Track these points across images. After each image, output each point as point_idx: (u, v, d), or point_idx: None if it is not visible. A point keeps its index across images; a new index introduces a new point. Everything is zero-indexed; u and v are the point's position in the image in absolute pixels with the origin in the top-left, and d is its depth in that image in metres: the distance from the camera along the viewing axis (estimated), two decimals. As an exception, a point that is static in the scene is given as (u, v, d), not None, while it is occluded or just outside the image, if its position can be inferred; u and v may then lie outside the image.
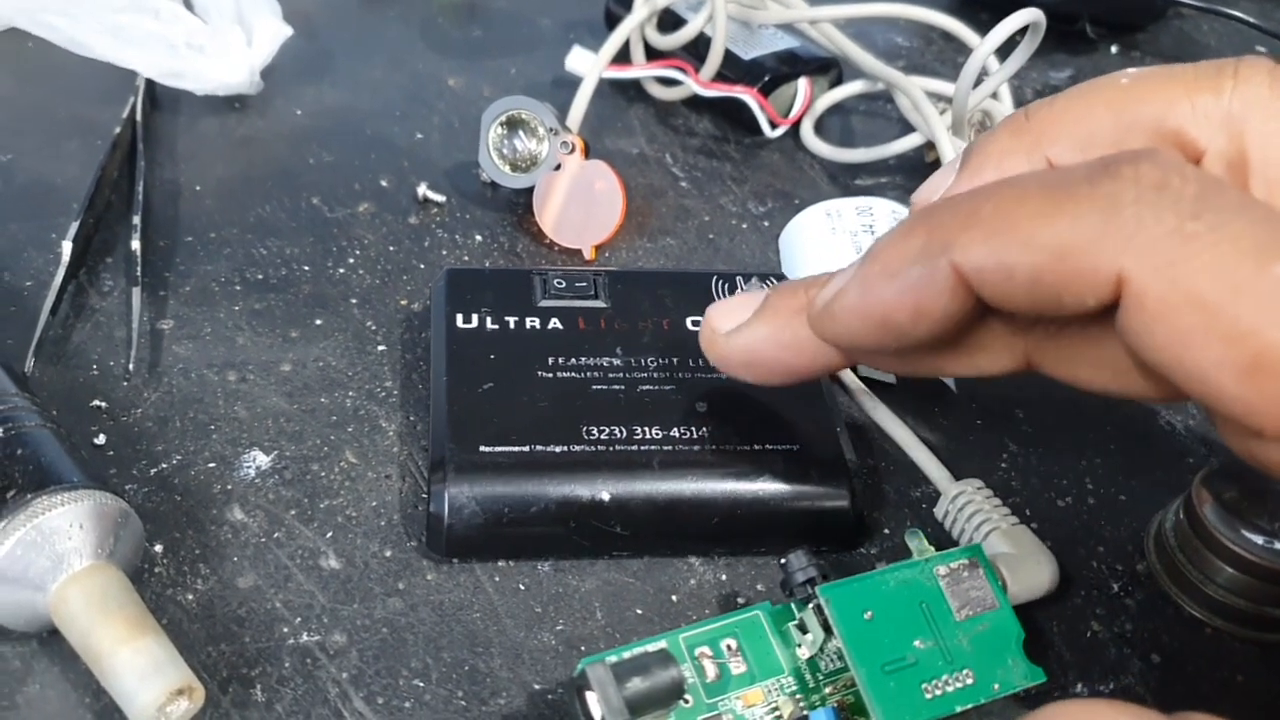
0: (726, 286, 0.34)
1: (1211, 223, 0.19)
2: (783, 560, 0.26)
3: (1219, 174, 0.24)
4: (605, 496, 0.28)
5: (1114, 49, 0.54)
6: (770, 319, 0.27)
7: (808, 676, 0.25)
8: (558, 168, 0.38)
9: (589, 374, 0.31)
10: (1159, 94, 0.24)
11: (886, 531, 0.30)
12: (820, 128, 0.45)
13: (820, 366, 0.27)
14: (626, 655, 0.24)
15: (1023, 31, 0.38)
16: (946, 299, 0.22)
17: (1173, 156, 0.21)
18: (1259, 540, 0.28)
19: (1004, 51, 0.39)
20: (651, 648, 0.24)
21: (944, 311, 0.22)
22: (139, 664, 0.23)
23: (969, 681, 0.25)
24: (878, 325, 0.23)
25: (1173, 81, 0.24)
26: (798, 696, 0.25)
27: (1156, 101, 0.24)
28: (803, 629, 0.25)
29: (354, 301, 0.36)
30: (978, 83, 0.39)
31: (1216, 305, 0.19)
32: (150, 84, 0.43)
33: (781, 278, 0.35)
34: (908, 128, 0.45)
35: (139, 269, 0.35)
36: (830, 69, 0.46)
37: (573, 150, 0.38)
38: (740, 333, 0.27)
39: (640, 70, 0.45)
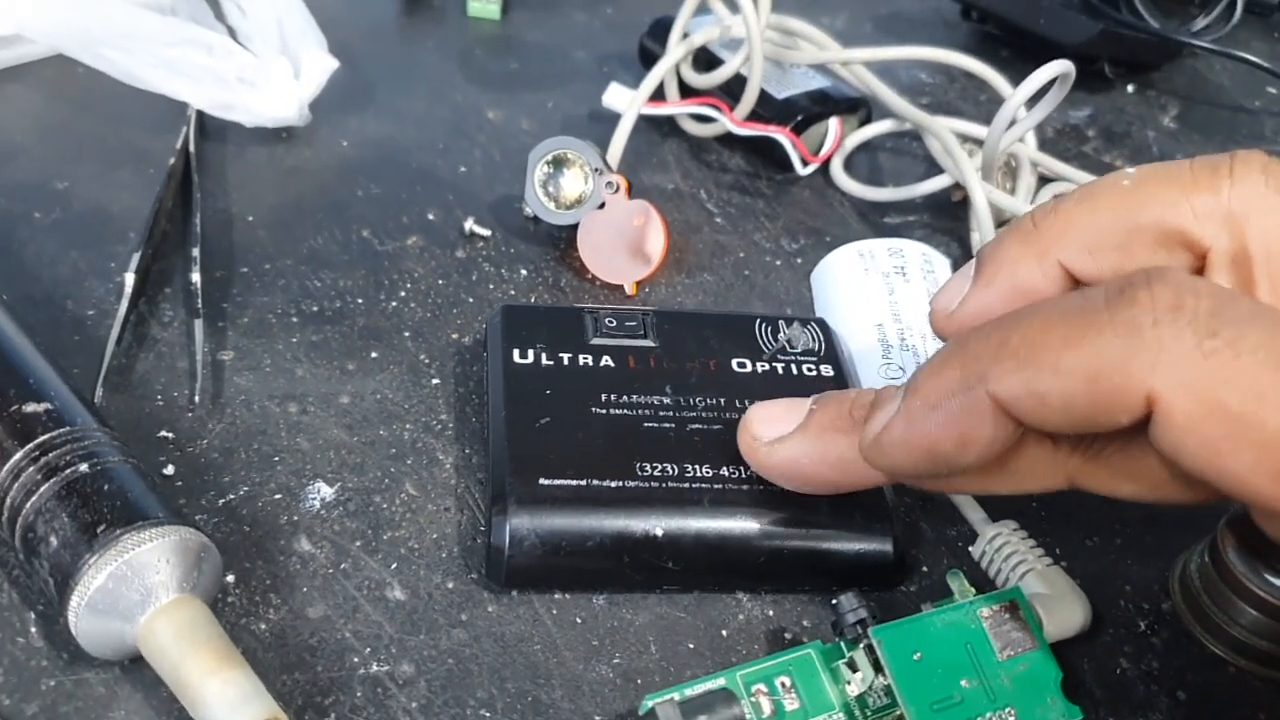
0: (770, 330, 0.35)
1: (1229, 337, 0.21)
2: (834, 601, 0.27)
3: (1224, 270, 0.25)
4: (659, 532, 0.30)
5: (1130, 88, 0.56)
6: (815, 436, 0.28)
7: (857, 713, 0.26)
8: (602, 206, 0.40)
9: (640, 411, 0.32)
10: (1159, 197, 0.25)
11: (925, 569, 0.32)
12: (849, 165, 0.47)
13: (863, 484, 0.28)
14: (690, 693, 0.25)
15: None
16: (989, 426, 0.23)
17: (1183, 275, 0.22)
18: (1282, 584, 0.29)
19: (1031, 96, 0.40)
20: (713, 685, 0.25)
21: (989, 438, 0.24)
22: (228, 695, 0.24)
23: (1011, 719, 0.26)
24: (926, 455, 0.25)
25: (1171, 183, 0.25)
26: (848, 731, 0.26)
27: (1157, 204, 0.25)
28: (853, 667, 0.26)
29: (407, 335, 0.37)
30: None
31: (1243, 414, 0.20)
32: (199, 114, 0.44)
33: (820, 322, 0.36)
34: (934, 166, 0.47)
35: (199, 300, 0.36)
36: (860, 108, 0.48)
37: (617, 190, 0.39)
38: (784, 445, 0.28)
39: (676, 107, 0.47)
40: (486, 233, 0.41)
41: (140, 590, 0.26)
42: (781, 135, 0.45)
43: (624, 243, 0.40)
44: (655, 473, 0.31)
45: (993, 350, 0.23)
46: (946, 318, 0.28)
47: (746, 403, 0.33)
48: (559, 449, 0.31)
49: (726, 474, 0.31)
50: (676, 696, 0.25)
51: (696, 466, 0.31)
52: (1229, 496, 0.22)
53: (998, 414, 0.23)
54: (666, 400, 0.33)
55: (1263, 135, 0.54)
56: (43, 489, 0.27)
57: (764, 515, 0.30)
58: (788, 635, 0.30)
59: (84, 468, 0.27)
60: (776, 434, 0.28)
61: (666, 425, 0.32)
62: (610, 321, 0.35)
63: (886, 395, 0.26)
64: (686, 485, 0.30)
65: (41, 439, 0.28)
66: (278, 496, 0.31)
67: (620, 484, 0.30)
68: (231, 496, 0.31)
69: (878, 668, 0.26)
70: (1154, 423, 0.22)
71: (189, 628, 0.26)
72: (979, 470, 0.25)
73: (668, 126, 0.48)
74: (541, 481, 0.30)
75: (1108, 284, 0.23)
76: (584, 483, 0.30)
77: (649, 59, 0.49)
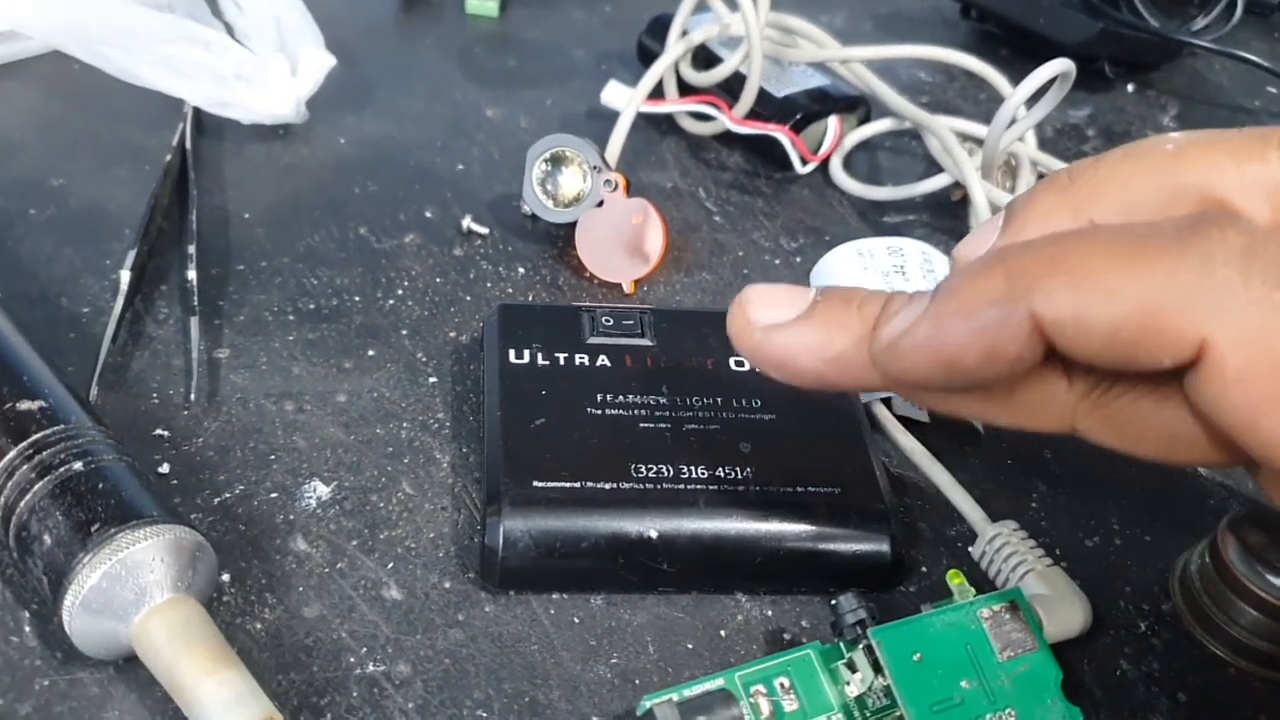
0: (769, 327, 0.35)
1: None
2: (833, 602, 0.27)
3: None
4: (653, 534, 0.29)
5: (1130, 88, 0.55)
6: (817, 328, 0.26)
7: (856, 714, 0.26)
8: (600, 204, 0.39)
9: (637, 412, 0.32)
10: (1205, 160, 0.24)
11: (924, 569, 0.31)
12: (848, 164, 0.47)
13: (857, 385, 0.26)
14: (689, 694, 0.25)
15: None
16: (1021, 344, 0.22)
17: (1256, 224, 0.21)
18: (1282, 585, 0.29)
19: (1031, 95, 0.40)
20: (711, 686, 0.25)
21: (1015, 356, 0.22)
22: (223, 695, 0.24)
23: (1011, 721, 0.26)
24: (944, 365, 0.23)
25: (1219, 148, 0.24)
26: (847, 733, 0.26)
27: (1202, 168, 0.24)
28: (852, 668, 0.26)
29: (404, 333, 0.37)
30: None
31: None
32: (196, 111, 0.44)
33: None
34: (933, 165, 0.46)
35: (195, 298, 0.36)
36: (859, 107, 0.48)
37: (615, 188, 0.39)
38: (781, 332, 0.26)
39: (675, 105, 0.46)
40: (484, 231, 0.41)
41: (135, 589, 0.25)
42: (781, 134, 0.45)
43: (622, 241, 0.40)
44: (650, 474, 0.30)
45: (1044, 263, 0.22)
46: None
47: (743, 402, 0.33)
48: (554, 450, 0.31)
49: (722, 475, 0.31)
50: (675, 697, 0.25)
51: (692, 467, 0.31)
52: (1257, 457, 0.21)
53: (1033, 333, 0.22)
54: (663, 400, 0.33)
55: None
56: (37, 487, 0.26)
57: (759, 517, 0.30)
58: (786, 636, 0.29)
59: (78, 466, 0.27)
60: (775, 319, 0.26)
61: (663, 426, 0.32)
62: (607, 320, 0.35)
63: (900, 299, 0.25)
64: (682, 486, 0.30)
65: (35, 437, 0.27)
66: (274, 495, 0.31)
67: (615, 485, 0.30)
68: (227, 495, 0.31)
69: (877, 668, 0.26)
70: (1200, 369, 0.20)
71: (184, 627, 0.25)
72: (986, 393, 0.24)
73: (666, 124, 0.48)
74: (536, 483, 0.30)
75: (1177, 218, 0.21)
76: (579, 484, 0.30)
77: (648, 57, 0.49)
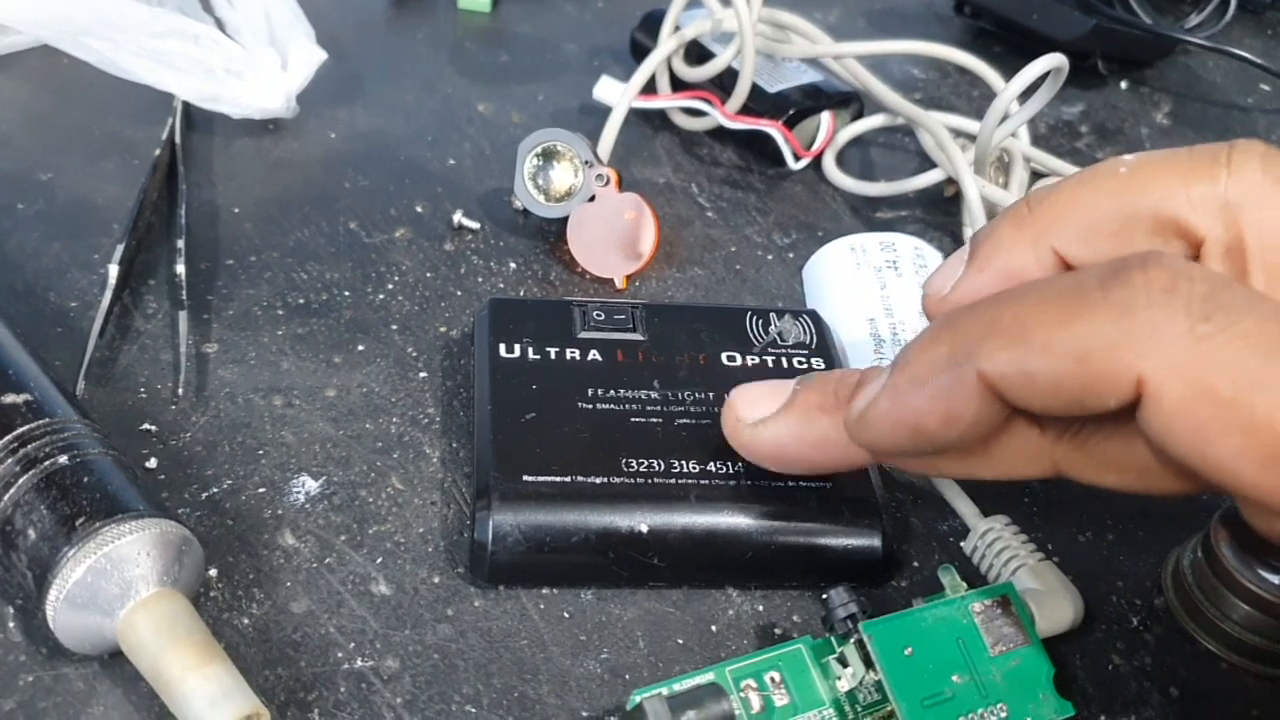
0: (760, 323, 0.35)
1: (1221, 322, 0.21)
2: (824, 596, 0.27)
3: (1218, 260, 0.25)
4: (644, 529, 0.29)
5: (1124, 84, 0.55)
6: (799, 416, 0.28)
7: (846, 708, 0.26)
8: (592, 199, 0.39)
9: (628, 406, 0.32)
10: (1156, 184, 0.25)
11: (916, 564, 0.31)
12: (841, 160, 0.46)
13: (847, 464, 0.28)
14: (678, 688, 0.25)
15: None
16: (975, 405, 0.23)
17: (1178, 259, 0.22)
18: (1275, 579, 0.29)
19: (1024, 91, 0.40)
20: (702, 680, 0.25)
21: (974, 417, 0.23)
22: (209, 690, 0.24)
23: (1003, 715, 0.26)
24: (910, 432, 0.24)
25: (1169, 171, 0.25)
26: (838, 728, 0.26)
27: (1154, 191, 0.25)
28: (843, 663, 0.26)
29: (394, 328, 0.37)
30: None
31: (1232, 400, 0.20)
32: (186, 105, 0.44)
33: (813, 314, 0.36)
34: (926, 161, 0.46)
35: (184, 293, 0.36)
36: (852, 102, 0.48)
37: (607, 183, 0.39)
38: (767, 426, 0.28)
39: (667, 101, 0.46)
40: (475, 225, 0.41)
41: (120, 584, 0.25)
42: (773, 129, 0.45)
43: (614, 236, 0.39)
44: (641, 468, 0.30)
45: (983, 327, 0.23)
46: (939, 301, 0.27)
47: (736, 396, 0.32)
48: (544, 444, 0.30)
49: (713, 469, 0.30)
50: (665, 691, 0.24)
51: (683, 462, 0.30)
52: (1214, 485, 0.22)
53: (985, 393, 0.23)
54: (654, 395, 0.32)
55: (1255, 132, 0.54)
56: (21, 481, 0.26)
57: (750, 512, 0.30)
58: (777, 630, 0.29)
59: (63, 460, 0.27)
60: (760, 415, 0.28)
61: (654, 420, 0.32)
62: (599, 315, 0.35)
63: (872, 374, 0.26)
64: (673, 481, 0.30)
65: (20, 430, 0.27)
66: (262, 490, 0.31)
67: (605, 480, 0.30)
68: (215, 490, 0.31)
69: (868, 663, 0.26)
70: (1143, 406, 0.21)
71: (169, 622, 0.25)
72: (962, 452, 0.25)
73: (659, 120, 0.48)
74: (526, 477, 0.29)
75: (1101, 265, 0.22)
76: (569, 479, 0.30)
77: (640, 52, 0.49)
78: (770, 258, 0.42)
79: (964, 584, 0.28)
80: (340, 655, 0.27)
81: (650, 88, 0.47)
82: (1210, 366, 0.20)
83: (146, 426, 0.32)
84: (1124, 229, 0.25)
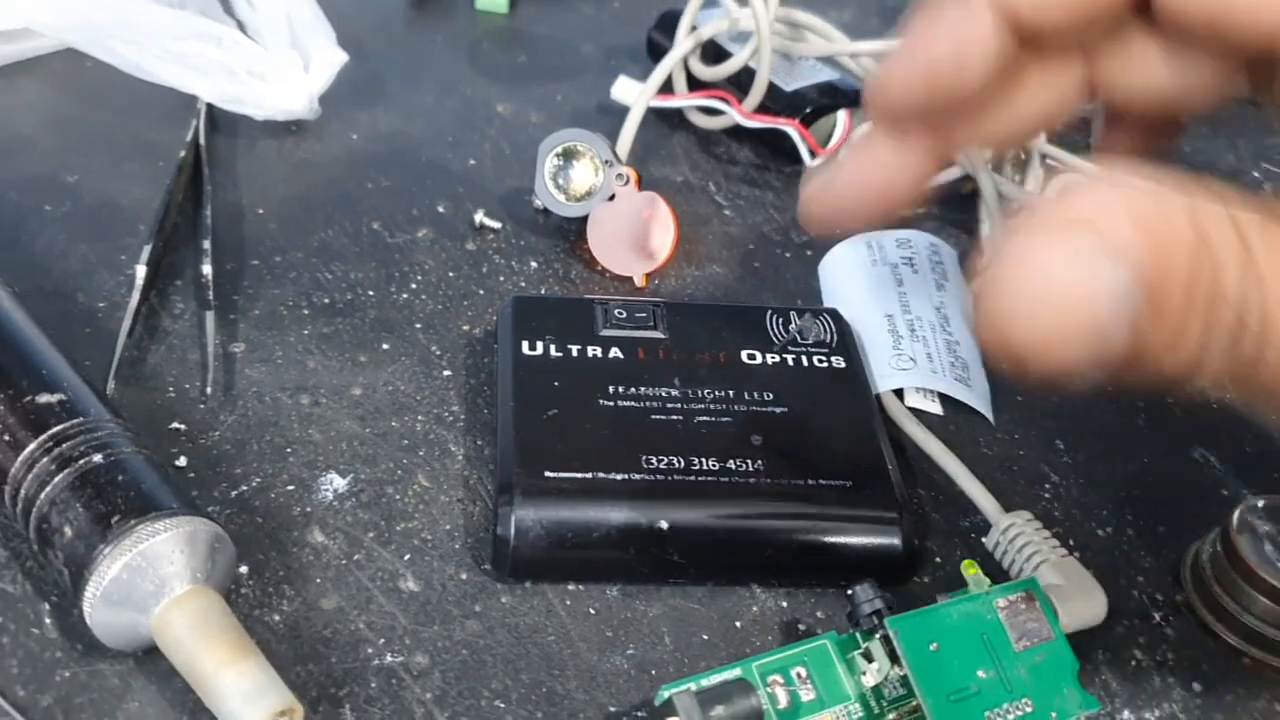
0: (780, 321, 0.35)
1: None
2: (850, 591, 0.27)
3: None
4: (664, 525, 0.29)
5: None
6: (850, 154, 0.28)
7: (872, 703, 0.26)
8: (612, 198, 0.40)
9: (648, 404, 0.32)
10: None
11: (938, 560, 0.31)
12: (859, 158, 0.46)
13: (904, 179, 0.27)
14: (706, 683, 0.25)
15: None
16: (986, 34, 0.23)
17: None
18: (1296, 575, 0.29)
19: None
20: (729, 676, 0.25)
21: (985, 49, 0.24)
22: (243, 686, 0.24)
23: (1028, 710, 0.26)
24: (926, 81, 0.24)
25: None
26: (863, 722, 0.26)
27: None
28: (869, 658, 0.26)
29: (418, 326, 0.37)
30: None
31: None
32: (209, 107, 0.44)
33: (832, 312, 0.36)
34: (944, 159, 0.46)
35: (210, 293, 0.36)
36: (869, 100, 0.48)
37: (627, 182, 0.39)
38: (827, 171, 0.28)
39: (685, 100, 0.47)
40: (497, 225, 0.41)
41: (154, 581, 0.26)
42: (790, 127, 0.45)
43: (633, 235, 0.40)
44: (662, 465, 0.30)
45: None
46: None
47: (755, 395, 0.33)
48: (566, 441, 0.31)
49: (733, 467, 0.31)
50: (693, 687, 0.25)
51: (703, 460, 0.31)
52: (1237, 45, 0.22)
53: (996, 20, 0.23)
54: (675, 392, 0.33)
55: (1270, 124, 0.54)
56: (56, 480, 0.27)
57: (770, 509, 0.30)
58: (802, 627, 0.29)
59: (98, 458, 0.27)
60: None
61: (674, 418, 0.32)
62: (620, 313, 0.35)
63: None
64: (693, 478, 0.30)
65: (55, 430, 0.28)
66: (290, 488, 0.31)
67: (626, 476, 0.30)
68: (244, 488, 0.31)
69: (894, 658, 0.26)
70: None
71: (203, 618, 0.25)
72: (983, 102, 0.25)
73: (676, 119, 0.48)
74: (548, 473, 0.30)
75: None
76: (590, 475, 0.30)
77: (657, 52, 0.49)
78: (788, 255, 0.42)
79: (987, 580, 0.28)
80: (370, 651, 0.28)
81: (667, 87, 0.47)
82: None
83: (176, 425, 0.33)
84: None
